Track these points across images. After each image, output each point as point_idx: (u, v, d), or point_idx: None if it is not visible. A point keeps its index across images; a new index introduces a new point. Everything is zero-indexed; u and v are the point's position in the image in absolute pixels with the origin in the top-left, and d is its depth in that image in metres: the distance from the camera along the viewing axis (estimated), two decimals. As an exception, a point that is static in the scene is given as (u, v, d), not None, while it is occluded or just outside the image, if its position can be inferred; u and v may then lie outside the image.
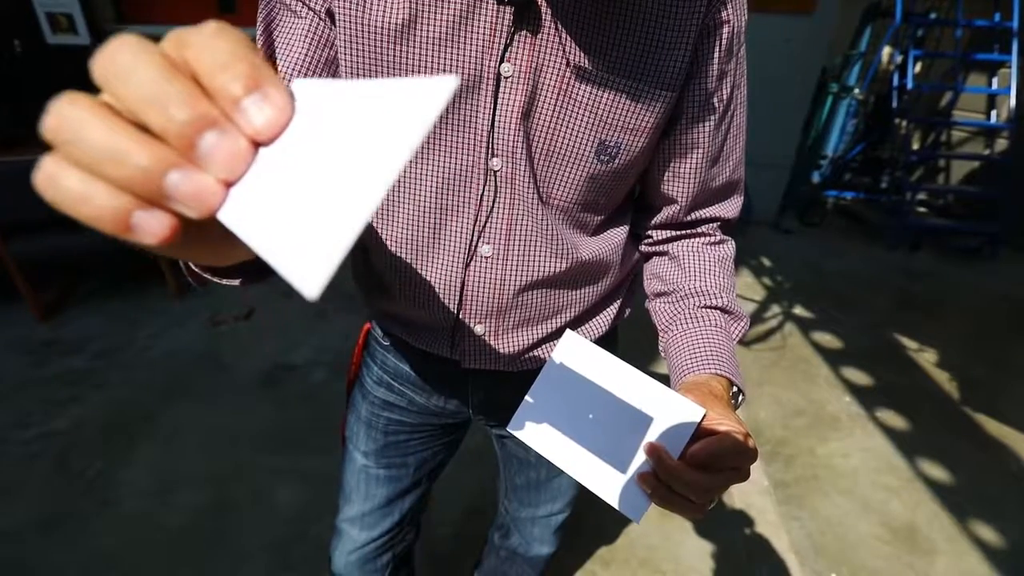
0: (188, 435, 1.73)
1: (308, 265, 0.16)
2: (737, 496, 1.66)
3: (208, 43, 0.17)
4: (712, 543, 1.51)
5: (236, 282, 0.41)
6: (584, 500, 0.87)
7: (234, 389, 1.94)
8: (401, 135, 0.17)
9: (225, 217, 0.18)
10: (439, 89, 0.17)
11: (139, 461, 1.62)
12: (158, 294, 2.44)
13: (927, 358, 2.38)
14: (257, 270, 0.39)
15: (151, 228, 0.17)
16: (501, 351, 0.61)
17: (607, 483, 0.44)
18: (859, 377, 2.24)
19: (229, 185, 0.17)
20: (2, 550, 1.35)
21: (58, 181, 0.17)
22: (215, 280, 0.40)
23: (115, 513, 1.46)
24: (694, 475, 0.40)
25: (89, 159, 0.16)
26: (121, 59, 0.16)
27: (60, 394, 1.85)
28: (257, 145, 0.18)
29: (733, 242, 0.63)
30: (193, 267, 0.38)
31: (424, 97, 0.17)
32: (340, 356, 2.14)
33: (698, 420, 0.42)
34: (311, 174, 0.17)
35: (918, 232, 3.55)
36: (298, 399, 1.91)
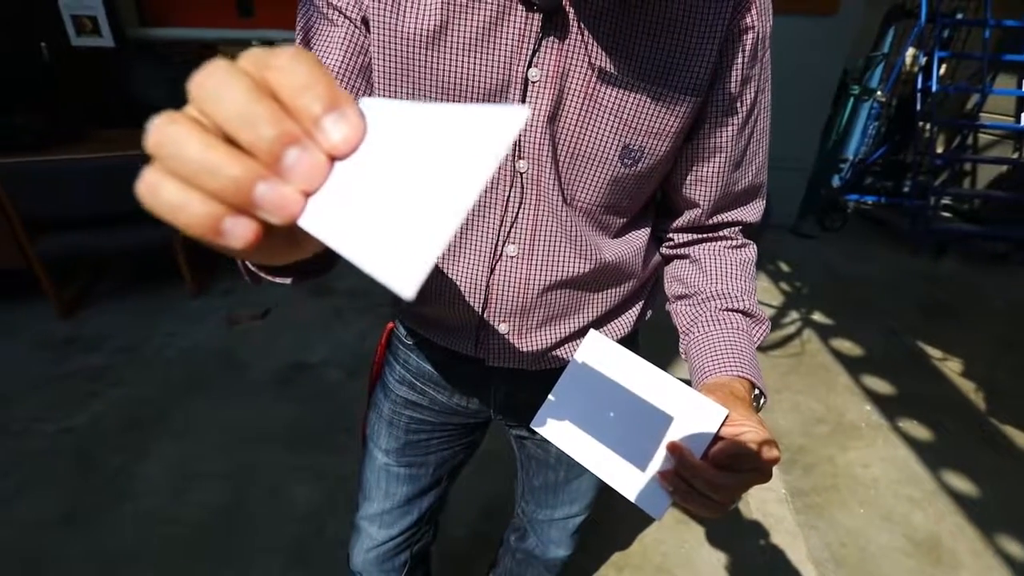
0: (205, 432, 1.75)
1: (403, 268, 0.18)
2: (754, 504, 1.63)
3: (289, 66, 0.19)
4: (728, 551, 1.49)
5: (288, 280, 0.42)
6: (599, 504, 0.86)
7: (250, 387, 1.96)
8: (482, 153, 0.18)
9: (305, 223, 0.19)
10: (514, 115, 0.18)
11: (157, 457, 1.64)
12: (176, 292, 2.48)
13: (952, 367, 2.32)
14: (307, 271, 0.42)
15: (239, 233, 0.19)
16: (524, 350, 0.62)
17: (629, 481, 0.45)
18: (880, 385, 2.19)
19: (308, 195, 0.19)
20: (24, 542, 1.38)
21: (158, 191, 0.19)
22: (268, 278, 0.42)
23: (133, 508, 1.48)
24: (716, 475, 0.41)
25: (187, 171, 0.18)
26: (214, 82, 0.18)
27: (80, 390, 1.89)
28: (333, 159, 0.19)
29: (755, 246, 0.63)
30: (250, 266, 0.40)
31: (502, 121, 0.18)
32: (355, 356, 2.15)
33: (721, 420, 0.43)
34: (389, 185, 0.19)
35: (942, 237, 3.47)
36: (314, 398, 1.92)
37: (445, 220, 0.18)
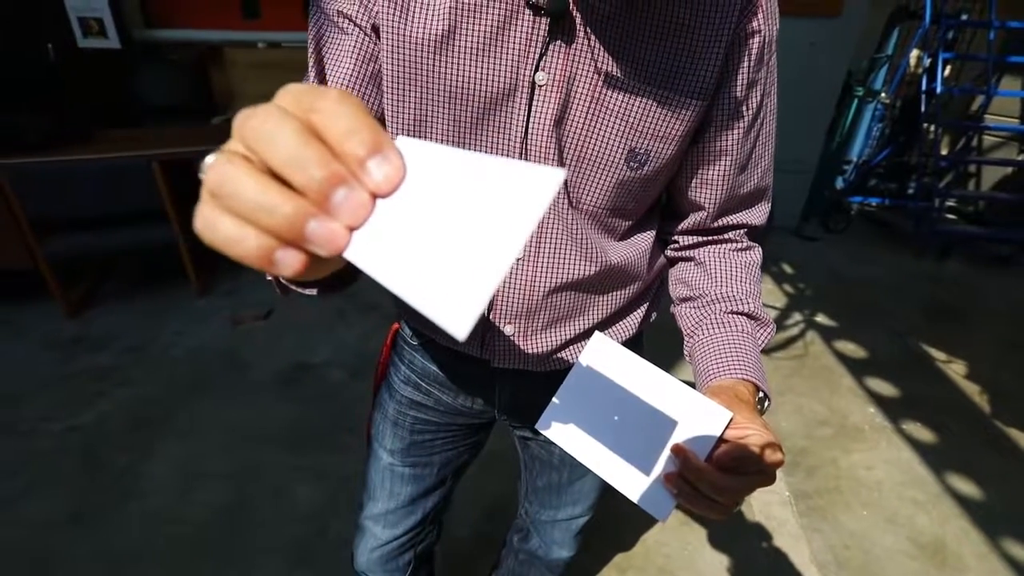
0: (209, 432, 1.76)
1: (456, 310, 0.19)
2: (757, 506, 1.63)
3: (335, 110, 0.20)
4: (731, 553, 1.49)
5: (314, 292, 0.45)
6: (602, 506, 0.86)
7: (254, 387, 1.97)
8: (526, 209, 0.19)
9: (350, 255, 0.21)
10: (554, 177, 0.20)
11: (162, 457, 1.65)
12: (181, 292, 2.49)
13: (956, 369, 2.31)
14: (333, 285, 0.44)
15: (289, 262, 0.21)
16: (530, 351, 0.62)
17: (633, 483, 0.45)
18: (884, 387, 2.18)
19: (352, 230, 0.21)
20: (31, 540, 1.39)
21: (217, 226, 0.21)
22: (297, 290, 0.44)
23: (139, 507, 1.49)
24: (720, 477, 0.41)
25: (244, 210, 0.20)
26: (269, 127, 0.20)
27: (87, 389, 1.90)
28: (375, 197, 0.21)
29: (760, 249, 0.63)
30: (282, 280, 0.42)
31: (541, 181, 0.20)
32: (358, 356, 2.16)
33: (725, 423, 0.43)
34: (434, 228, 0.20)
35: (947, 239, 3.45)
36: (316, 398, 1.93)
37: (495, 267, 0.19)
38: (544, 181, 0.20)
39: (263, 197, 0.19)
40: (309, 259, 0.21)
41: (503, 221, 0.20)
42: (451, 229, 0.20)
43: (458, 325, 0.19)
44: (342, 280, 0.44)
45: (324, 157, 0.20)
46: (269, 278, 0.43)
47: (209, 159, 0.21)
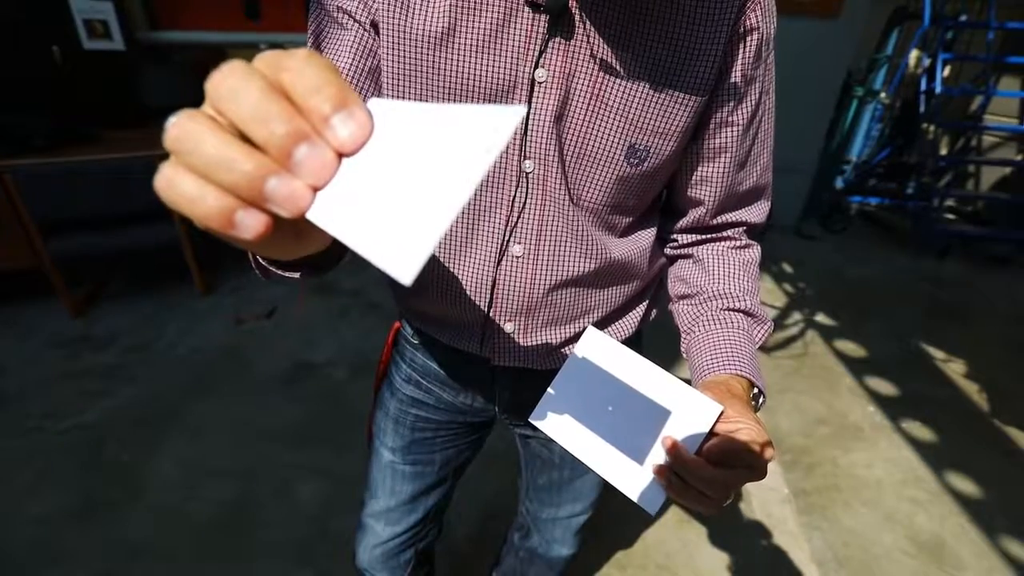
0: (213, 430, 1.77)
1: (402, 255, 0.19)
2: (757, 504, 1.64)
3: (301, 68, 0.20)
4: (730, 551, 1.49)
5: (296, 275, 0.43)
6: (603, 504, 0.87)
7: (257, 386, 1.98)
8: (480, 150, 0.19)
9: (313, 216, 0.20)
10: (512, 114, 0.20)
11: (166, 455, 1.67)
12: (185, 291, 2.50)
13: (955, 368, 2.32)
14: (315, 265, 0.42)
15: (250, 224, 0.20)
16: (530, 348, 0.62)
17: (624, 475, 0.45)
18: (884, 387, 2.19)
19: (316, 190, 0.20)
20: (37, 536, 1.40)
21: (176, 184, 0.20)
22: (278, 272, 0.43)
23: (143, 505, 1.50)
24: (709, 470, 0.41)
25: (204, 166, 0.19)
26: (231, 82, 0.19)
27: (92, 387, 1.91)
28: (341, 156, 0.20)
29: (759, 247, 0.63)
30: (261, 260, 0.41)
31: (500, 120, 0.20)
32: (361, 355, 2.17)
33: (715, 417, 0.43)
34: (392, 180, 0.20)
35: (946, 239, 3.46)
36: (320, 397, 1.94)
37: (443, 211, 0.19)
38: (503, 120, 0.19)
39: (223, 153, 0.19)
40: (272, 222, 0.20)
41: (458, 163, 0.19)
42: (408, 178, 0.20)
43: (403, 270, 0.19)
44: (324, 261, 0.42)
45: (287, 112, 0.19)
46: (252, 262, 0.42)
47: (172, 117, 0.20)
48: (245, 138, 0.20)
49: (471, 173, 0.19)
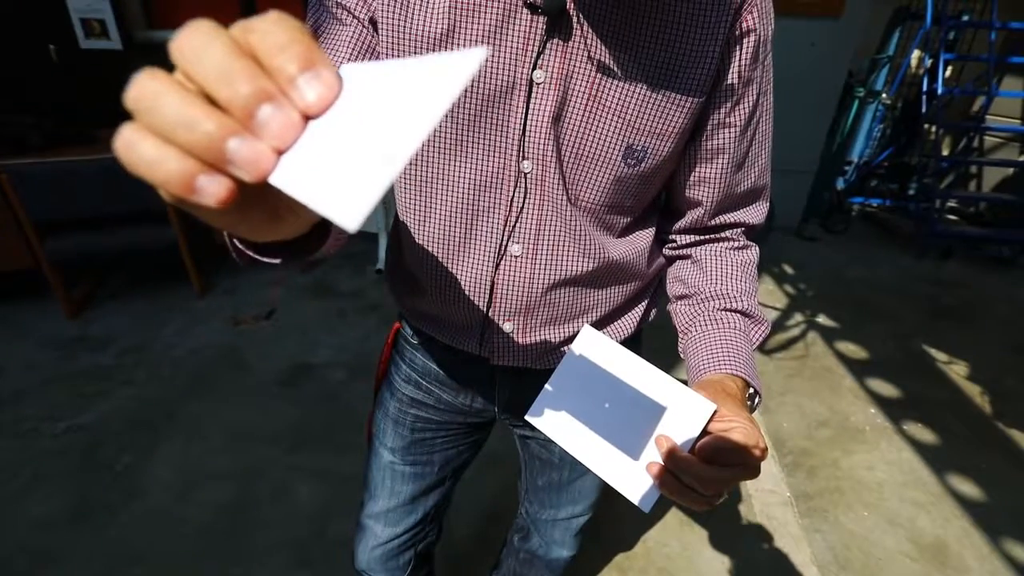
0: (211, 432, 1.76)
1: (348, 202, 0.18)
2: (758, 507, 1.63)
3: (269, 28, 0.19)
4: (731, 554, 1.49)
5: (276, 261, 0.40)
6: (603, 506, 0.86)
7: (255, 388, 1.97)
8: (436, 93, 0.19)
9: (276, 180, 0.19)
10: (470, 58, 0.19)
11: (163, 456, 1.66)
12: (182, 293, 2.50)
13: (957, 370, 2.31)
14: (296, 252, 0.39)
15: (212, 191, 0.19)
16: (529, 348, 0.62)
17: (619, 472, 0.46)
18: (885, 388, 2.18)
19: (280, 153, 0.19)
20: (33, 538, 1.39)
21: (135, 146, 0.19)
22: (258, 258, 0.39)
23: (141, 507, 1.49)
24: (702, 468, 0.41)
25: (163, 126, 0.18)
26: (195, 41, 0.19)
27: (88, 389, 1.91)
28: (307, 118, 0.19)
29: (757, 248, 0.64)
30: (238, 244, 0.38)
31: (457, 65, 0.19)
32: (359, 356, 2.16)
33: (708, 415, 0.44)
34: (352, 137, 0.19)
35: (948, 240, 3.45)
36: (318, 398, 1.93)
37: (398, 154, 0.18)
38: (462, 63, 0.19)
39: (184, 112, 0.18)
40: (236, 188, 0.19)
41: (414, 110, 0.19)
42: (367, 132, 0.19)
43: (346, 217, 0.18)
44: (305, 246, 0.38)
45: (251, 71, 0.18)
46: (228, 244, 0.40)
47: (134, 77, 0.19)
48: (213, 102, 0.19)
49: (424, 119, 0.18)
